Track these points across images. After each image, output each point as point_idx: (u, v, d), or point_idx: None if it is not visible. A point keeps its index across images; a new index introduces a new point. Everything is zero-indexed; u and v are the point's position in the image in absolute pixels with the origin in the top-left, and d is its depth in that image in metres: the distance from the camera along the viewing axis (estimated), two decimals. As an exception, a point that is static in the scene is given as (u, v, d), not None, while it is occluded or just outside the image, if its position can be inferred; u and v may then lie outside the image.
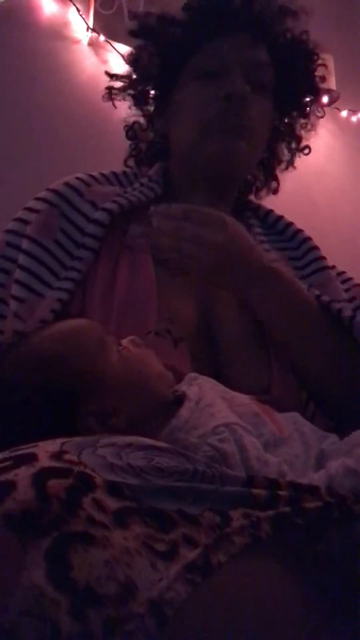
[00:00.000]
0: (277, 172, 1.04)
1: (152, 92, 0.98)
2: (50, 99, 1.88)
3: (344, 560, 0.42)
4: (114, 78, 1.00)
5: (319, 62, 0.96)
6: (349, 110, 2.59)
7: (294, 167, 1.05)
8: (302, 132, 1.02)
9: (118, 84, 0.99)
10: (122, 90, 0.98)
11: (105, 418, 0.56)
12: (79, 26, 2.00)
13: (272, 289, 0.77)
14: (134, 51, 0.97)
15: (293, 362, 0.81)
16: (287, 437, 0.61)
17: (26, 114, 1.84)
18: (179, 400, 0.60)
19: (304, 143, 1.03)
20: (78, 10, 1.98)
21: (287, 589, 0.40)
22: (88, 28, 2.00)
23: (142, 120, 1.01)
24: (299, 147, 1.03)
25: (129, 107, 1.00)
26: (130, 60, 0.97)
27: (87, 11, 2.01)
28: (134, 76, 0.97)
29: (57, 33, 1.97)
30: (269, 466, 0.52)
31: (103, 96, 0.99)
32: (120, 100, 0.99)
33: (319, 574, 0.41)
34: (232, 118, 0.85)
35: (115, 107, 1.00)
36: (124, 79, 0.99)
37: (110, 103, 1.01)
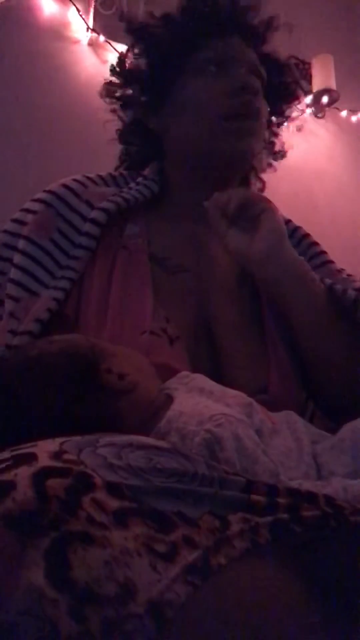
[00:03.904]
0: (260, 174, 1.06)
1: (144, 93, 0.98)
2: (50, 99, 1.88)
3: (343, 566, 0.42)
4: (116, 74, 1.00)
5: (293, 72, 1.00)
6: (349, 110, 2.59)
7: (275, 170, 1.08)
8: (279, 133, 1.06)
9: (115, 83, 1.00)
10: (114, 91, 0.99)
11: (122, 375, 0.60)
12: (79, 26, 2.00)
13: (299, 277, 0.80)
14: (124, 53, 0.98)
15: (303, 349, 0.82)
16: (279, 429, 0.61)
17: (26, 114, 1.84)
18: (169, 398, 0.61)
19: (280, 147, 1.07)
20: (78, 10, 1.98)
21: (288, 591, 0.40)
22: (88, 28, 2.00)
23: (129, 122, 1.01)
24: (276, 152, 1.06)
25: (116, 110, 1.00)
26: (121, 62, 0.99)
27: (87, 11, 2.01)
28: (125, 78, 0.98)
29: (57, 33, 1.97)
30: (258, 464, 0.52)
31: (100, 93, 0.99)
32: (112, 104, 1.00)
33: (319, 578, 0.41)
34: (248, 111, 0.85)
35: (110, 105, 1.01)
36: (125, 77, 0.98)
37: (111, 104, 1.01)
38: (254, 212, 0.81)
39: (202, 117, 0.87)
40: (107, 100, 1.00)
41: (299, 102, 1.07)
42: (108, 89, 0.99)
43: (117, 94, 0.99)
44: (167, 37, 0.92)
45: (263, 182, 1.06)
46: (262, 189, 1.06)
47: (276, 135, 1.05)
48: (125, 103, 0.99)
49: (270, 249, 0.79)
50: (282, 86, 0.98)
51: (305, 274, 0.81)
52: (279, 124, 1.05)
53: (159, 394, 0.62)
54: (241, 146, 0.86)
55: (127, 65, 0.98)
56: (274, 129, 1.04)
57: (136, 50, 0.96)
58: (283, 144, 1.07)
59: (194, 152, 0.89)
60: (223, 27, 0.90)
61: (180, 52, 0.91)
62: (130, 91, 0.98)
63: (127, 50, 0.98)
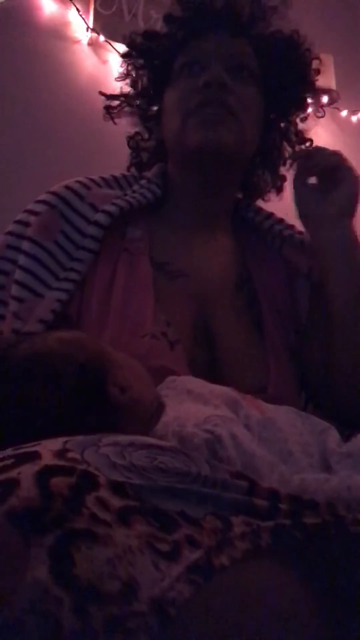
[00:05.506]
0: (283, 171, 1.02)
1: (150, 106, 0.99)
2: (50, 99, 1.89)
3: (342, 573, 0.42)
4: (110, 98, 1.00)
5: (311, 56, 0.95)
6: (349, 110, 2.59)
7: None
8: (302, 125, 1.01)
9: (115, 102, 1.00)
10: (119, 108, 1.00)
11: (125, 389, 0.59)
12: (79, 26, 2.00)
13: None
14: (125, 71, 0.99)
15: (332, 331, 0.83)
16: (273, 417, 0.62)
17: (26, 114, 1.84)
18: (161, 405, 0.61)
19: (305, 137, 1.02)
20: (78, 10, 1.98)
21: (291, 591, 0.40)
22: (88, 28, 2.01)
23: (143, 129, 1.01)
24: (301, 141, 1.01)
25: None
26: (124, 79, 0.99)
27: (87, 11, 2.01)
28: (130, 93, 0.99)
29: (57, 33, 1.97)
30: (256, 457, 0.53)
31: (104, 116, 1.00)
32: (119, 117, 1.00)
33: (318, 583, 0.41)
34: (211, 106, 0.84)
35: (115, 124, 1.01)
36: (120, 98, 0.99)
37: (111, 103, 1.01)
38: (336, 174, 0.84)
39: (175, 115, 0.88)
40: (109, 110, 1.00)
41: (317, 74, 0.98)
42: (118, 104, 0.99)
43: (126, 110, 1.00)
44: (156, 55, 0.94)
45: (284, 178, 1.03)
46: (281, 189, 1.03)
47: (298, 132, 1.01)
48: (140, 117, 1.00)
49: (335, 214, 0.83)
50: (286, 65, 0.93)
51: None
52: (302, 119, 1.01)
53: (153, 402, 0.62)
54: (209, 135, 0.84)
55: (129, 78, 0.99)
56: (294, 123, 1.00)
57: (135, 71, 0.98)
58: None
59: (176, 151, 0.90)
60: (201, 27, 0.90)
61: (166, 66, 0.92)
62: (128, 107, 0.99)
63: (128, 72, 0.99)
